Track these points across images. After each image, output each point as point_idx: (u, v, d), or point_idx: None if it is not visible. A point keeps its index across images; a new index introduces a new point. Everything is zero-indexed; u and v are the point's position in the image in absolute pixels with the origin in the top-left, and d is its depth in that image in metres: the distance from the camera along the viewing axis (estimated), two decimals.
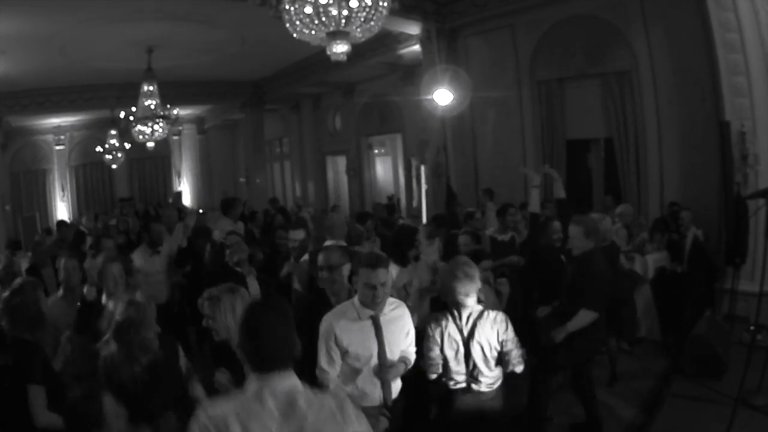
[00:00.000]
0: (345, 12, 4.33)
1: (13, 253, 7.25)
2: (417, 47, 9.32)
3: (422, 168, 11.16)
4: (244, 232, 6.40)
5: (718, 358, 4.78)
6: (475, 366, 3.07)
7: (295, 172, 16.38)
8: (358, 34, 4.63)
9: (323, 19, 4.38)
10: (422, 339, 3.10)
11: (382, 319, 2.67)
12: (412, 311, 3.75)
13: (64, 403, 2.60)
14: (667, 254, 6.07)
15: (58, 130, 16.01)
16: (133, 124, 9.61)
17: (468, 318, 3.04)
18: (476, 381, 3.10)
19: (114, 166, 14.11)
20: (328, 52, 4.72)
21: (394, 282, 3.67)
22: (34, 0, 6.86)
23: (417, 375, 3.06)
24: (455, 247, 4.78)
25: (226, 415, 1.60)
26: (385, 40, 9.57)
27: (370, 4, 4.40)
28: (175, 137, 17.24)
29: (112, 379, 2.41)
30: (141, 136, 9.78)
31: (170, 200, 17.04)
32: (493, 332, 3.04)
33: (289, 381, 1.70)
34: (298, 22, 4.50)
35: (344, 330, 2.61)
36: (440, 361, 3.08)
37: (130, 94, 10.06)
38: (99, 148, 13.69)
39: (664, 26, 6.84)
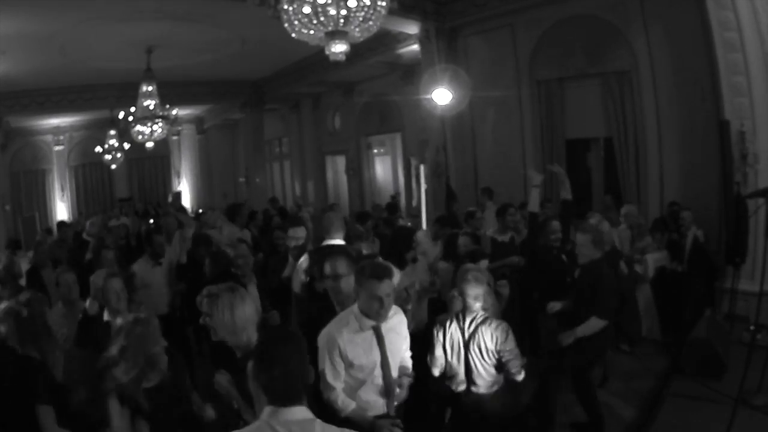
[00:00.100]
0: (343, 12, 4.32)
1: (14, 253, 7.24)
2: (416, 47, 9.31)
3: (422, 168, 11.14)
4: (250, 238, 6.34)
5: (718, 358, 4.77)
6: (473, 368, 3.20)
7: (294, 172, 16.38)
8: (357, 33, 4.62)
9: (322, 18, 4.37)
10: (418, 341, 3.14)
11: (383, 328, 2.62)
12: (412, 313, 3.77)
13: (69, 409, 2.59)
14: (667, 254, 6.07)
15: (57, 130, 16.02)
16: (133, 124, 9.61)
17: (471, 322, 3.19)
18: (474, 383, 3.22)
19: (113, 166, 14.13)
20: (327, 52, 4.71)
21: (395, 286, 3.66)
22: (34, 0, 6.86)
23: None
24: (455, 247, 4.78)
25: None
26: (385, 40, 9.56)
27: (368, 3, 4.39)
28: (175, 137, 17.26)
29: (122, 397, 2.39)
30: (140, 136, 9.77)
31: (170, 200, 17.04)
32: (492, 340, 3.15)
33: (303, 414, 1.72)
34: (296, 22, 4.49)
35: (348, 342, 2.54)
36: (443, 361, 3.27)
37: (130, 94, 10.05)
38: (98, 148, 13.69)
39: (664, 26, 6.84)
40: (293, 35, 4.68)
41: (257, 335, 2.55)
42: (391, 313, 2.72)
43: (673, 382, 4.83)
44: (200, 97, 14.14)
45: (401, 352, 2.77)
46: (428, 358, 3.30)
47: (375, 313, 2.54)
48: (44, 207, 16.23)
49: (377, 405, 2.64)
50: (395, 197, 12.59)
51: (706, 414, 4.14)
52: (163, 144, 14.21)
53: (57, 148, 16.30)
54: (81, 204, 16.58)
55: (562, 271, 4.75)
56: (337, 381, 2.55)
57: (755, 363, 4.00)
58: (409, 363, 2.85)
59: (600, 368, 4.89)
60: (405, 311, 3.37)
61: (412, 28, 8.83)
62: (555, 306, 4.21)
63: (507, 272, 5.08)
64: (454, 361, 3.27)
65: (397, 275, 3.61)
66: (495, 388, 3.27)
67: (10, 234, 12.59)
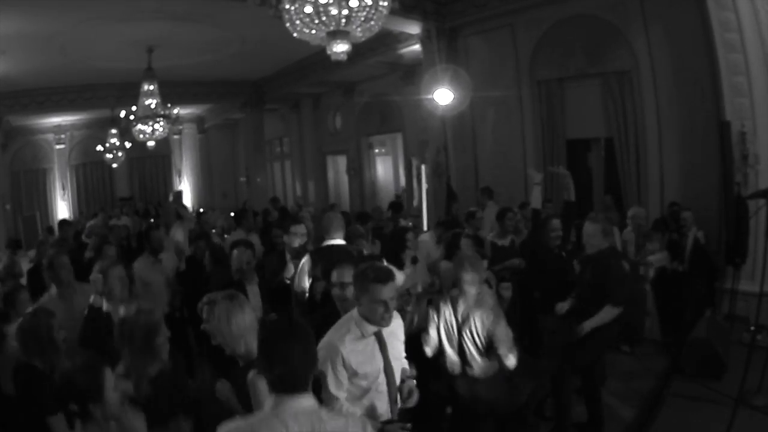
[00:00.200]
0: (345, 11, 4.32)
1: (14, 253, 7.25)
2: (417, 47, 9.32)
3: (423, 168, 11.15)
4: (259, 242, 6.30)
5: (718, 358, 4.78)
6: (466, 351, 3.34)
7: (295, 172, 16.39)
8: (359, 33, 4.63)
9: (323, 18, 4.38)
10: (418, 341, 3.26)
11: (384, 333, 2.57)
12: (413, 314, 3.78)
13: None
14: (668, 254, 6.07)
15: (58, 129, 16.01)
16: (134, 123, 9.61)
17: (465, 307, 3.32)
18: (469, 365, 3.35)
19: (114, 166, 14.10)
20: (329, 52, 4.71)
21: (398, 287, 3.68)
22: (34, 0, 6.86)
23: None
24: (457, 247, 4.80)
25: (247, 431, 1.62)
26: (386, 40, 9.56)
27: (370, 3, 4.40)
28: (176, 136, 17.23)
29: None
30: (141, 136, 9.77)
31: (170, 199, 17.04)
32: (482, 324, 3.27)
33: (308, 402, 1.71)
34: (298, 22, 4.50)
35: (352, 351, 2.45)
36: (436, 341, 3.40)
37: (131, 94, 10.05)
38: (99, 148, 13.68)
39: (664, 26, 6.84)
40: (295, 35, 4.68)
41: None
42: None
43: (673, 382, 4.84)
44: (200, 96, 14.13)
45: (402, 356, 2.76)
46: (422, 337, 3.41)
47: (379, 318, 2.46)
48: (45, 206, 16.22)
49: (381, 410, 2.57)
50: (400, 196, 12.61)
51: (706, 414, 4.14)
52: (164, 143, 14.23)
53: (58, 147, 16.29)
54: (82, 203, 16.58)
55: (564, 271, 4.76)
56: (340, 391, 2.46)
57: (755, 363, 4.01)
58: (406, 364, 2.86)
59: (600, 368, 4.91)
60: (405, 312, 3.39)
61: (413, 28, 8.83)
62: (563, 307, 4.21)
63: (507, 275, 5.08)
64: (447, 344, 3.39)
65: (399, 276, 3.63)
66: (489, 374, 3.34)
67: (11, 233, 12.59)
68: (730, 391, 4.06)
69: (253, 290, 4.13)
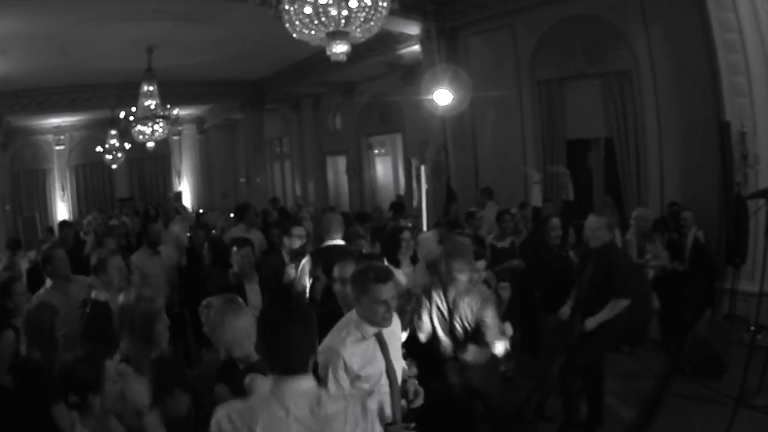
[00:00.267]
0: (345, 12, 4.32)
1: (14, 253, 7.25)
2: (417, 47, 9.32)
3: (422, 168, 11.14)
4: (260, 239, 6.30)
5: (718, 358, 4.78)
6: (458, 337, 3.38)
7: (295, 172, 16.39)
8: (358, 34, 4.63)
9: (323, 19, 4.37)
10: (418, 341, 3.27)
11: (384, 333, 2.53)
12: (412, 313, 3.79)
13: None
14: (668, 254, 6.05)
15: (58, 129, 16.01)
16: (133, 124, 9.61)
17: (455, 293, 3.37)
18: (462, 351, 3.39)
19: (114, 166, 14.11)
20: (328, 53, 4.71)
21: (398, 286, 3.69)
22: (34, 0, 6.86)
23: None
24: None
25: (248, 413, 1.60)
26: (385, 40, 9.57)
27: (369, 4, 4.40)
28: (175, 137, 17.23)
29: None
30: (141, 136, 9.77)
31: (170, 200, 17.06)
32: (470, 309, 3.32)
33: (308, 384, 1.70)
34: (297, 22, 4.49)
35: (353, 354, 2.41)
36: (429, 327, 3.44)
37: (130, 94, 10.06)
38: (99, 148, 13.69)
39: (664, 26, 6.84)
40: (294, 35, 4.68)
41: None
42: None
43: (673, 382, 4.83)
44: (200, 97, 14.13)
45: (400, 355, 2.74)
46: (415, 323, 3.45)
47: (381, 318, 2.42)
48: (45, 207, 16.21)
49: (386, 413, 2.53)
50: (401, 196, 12.61)
51: (706, 414, 4.14)
52: (163, 144, 14.21)
53: (57, 147, 16.28)
54: (81, 204, 16.57)
55: (565, 270, 4.76)
56: None
57: (755, 363, 4.01)
58: (404, 363, 2.86)
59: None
60: (406, 312, 3.39)
61: (413, 29, 8.83)
62: (566, 311, 4.23)
63: (507, 276, 5.08)
64: (440, 330, 3.43)
65: (398, 274, 3.63)
66: (480, 360, 3.36)
67: (11, 234, 12.57)
68: (730, 391, 4.06)
69: (254, 289, 4.14)
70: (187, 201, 17.64)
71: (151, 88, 9.39)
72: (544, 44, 8.10)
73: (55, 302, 3.25)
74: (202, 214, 11.20)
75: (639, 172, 7.36)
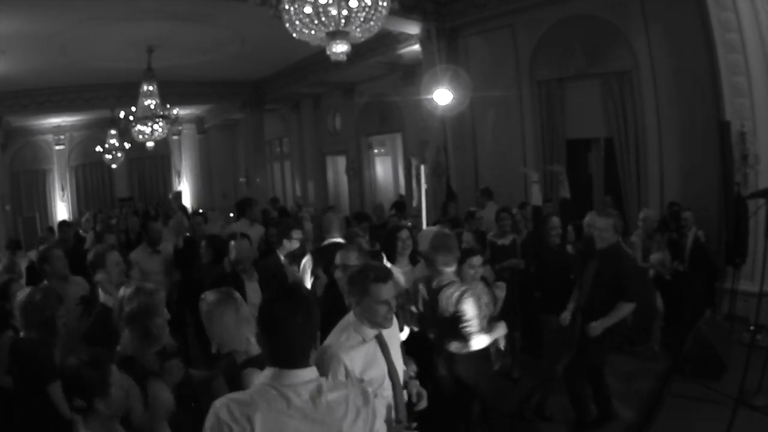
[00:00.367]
0: (345, 12, 4.32)
1: (14, 254, 7.24)
2: (417, 47, 9.32)
3: (422, 168, 11.13)
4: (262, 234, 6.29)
5: (718, 358, 4.78)
6: (444, 330, 3.40)
7: (295, 172, 16.39)
8: (358, 34, 4.63)
9: (323, 18, 4.37)
10: (419, 341, 3.30)
11: (384, 335, 2.47)
12: (410, 313, 3.79)
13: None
14: (668, 254, 6.06)
15: (58, 129, 16.02)
16: (133, 123, 9.61)
17: (435, 285, 3.44)
18: (447, 342, 3.40)
19: (114, 166, 14.13)
20: (328, 52, 4.71)
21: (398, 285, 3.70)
22: (34, 0, 6.86)
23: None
24: (460, 244, 4.81)
25: (247, 403, 1.57)
26: (385, 40, 9.57)
27: (369, 3, 4.39)
28: (175, 137, 17.24)
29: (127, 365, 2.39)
30: (141, 136, 9.78)
31: (170, 201, 17.05)
32: (449, 301, 3.35)
33: (310, 375, 1.66)
34: (297, 22, 4.49)
35: (354, 359, 2.33)
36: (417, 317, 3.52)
37: (130, 94, 10.06)
38: (99, 148, 13.70)
39: (664, 26, 6.84)
40: (294, 35, 4.68)
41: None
42: None
43: (673, 382, 4.83)
44: (200, 97, 14.14)
45: (400, 356, 2.68)
46: (402, 316, 3.48)
47: (382, 319, 2.37)
48: (44, 207, 16.22)
49: (389, 415, 2.46)
50: (403, 196, 12.63)
51: (706, 414, 4.14)
52: (163, 144, 14.22)
53: (57, 147, 16.29)
54: (81, 204, 16.57)
55: (565, 270, 4.76)
56: None
57: (755, 363, 4.01)
58: (405, 366, 2.83)
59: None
60: (406, 311, 3.40)
61: (413, 29, 8.84)
62: (566, 317, 4.20)
63: (507, 275, 5.08)
64: (429, 321, 3.47)
65: (397, 273, 3.64)
66: (465, 352, 3.36)
67: (11, 234, 12.58)
68: (730, 391, 4.06)
69: (253, 286, 4.15)
70: (187, 201, 17.64)
71: (151, 88, 9.39)
72: (544, 44, 8.10)
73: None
74: (201, 213, 11.15)
75: (639, 172, 7.36)
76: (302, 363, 1.65)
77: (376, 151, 14.05)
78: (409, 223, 6.38)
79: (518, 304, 5.06)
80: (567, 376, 4.04)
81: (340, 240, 4.36)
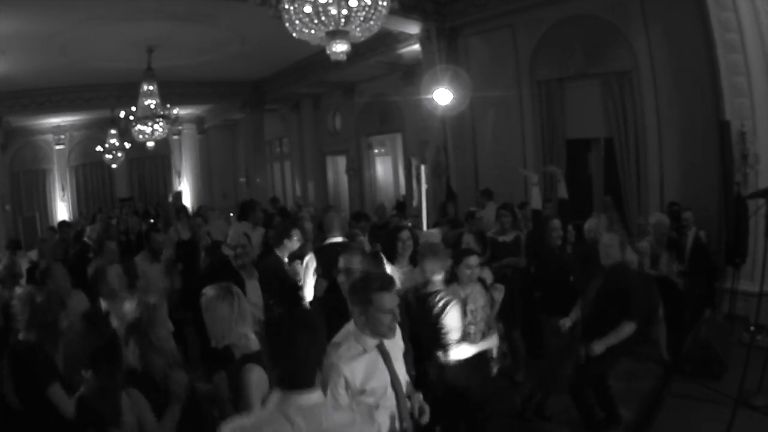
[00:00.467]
0: (344, 11, 4.33)
1: (14, 253, 7.24)
2: (417, 47, 9.32)
3: (422, 168, 11.12)
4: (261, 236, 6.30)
5: (718, 358, 4.78)
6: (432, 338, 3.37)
7: (295, 172, 16.39)
8: (358, 33, 4.63)
9: (323, 18, 4.38)
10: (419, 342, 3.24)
11: (386, 343, 2.40)
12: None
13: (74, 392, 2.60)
14: (675, 266, 6.00)
15: (58, 129, 16.02)
16: (133, 123, 9.62)
17: (422, 293, 3.43)
18: (433, 350, 3.37)
19: (114, 166, 14.13)
20: (328, 52, 4.72)
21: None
22: (34, 0, 6.86)
23: None
24: (460, 246, 4.83)
25: (251, 429, 1.59)
26: (385, 40, 9.57)
27: (369, 3, 4.40)
28: (175, 137, 17.25)
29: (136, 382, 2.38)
30: (141, 136, 9.79)
31: (170, 200, 17.04)
32: (433, 313, 3.32)
33: (316, 398, 1.67)
34: (297, 22, 4.50)
35: (355, 370, 2.27)
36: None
37: (130, 94, 10.07)
38: (99, 148, 13.69)
39: (664, 26, 6.84)
40: (294, 35, 4.68)
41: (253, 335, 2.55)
42: None
43: (673, 382, 4.83)
44: (200, 97, 14.15)
45: (404, 365, 2.61)
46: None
47: (386, 329, 2.31)
48: (45, 207, 16.21)
49: (392, 427, 2.43)
50: (404, 196, 12.65)
51: (706, 414, 4.14)
52: (163, 143, 14.22)
53: (57, 147, 16.29)
54: (81, 204, 16.57)
55: (564, 270, 4.75)
56: None
57: (755, 363, 4.00)
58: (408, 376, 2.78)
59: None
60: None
61: (413, 28, 8.84)
62: (567, 322, 4.12)
63: (509, 273, 5.07)
64: (419, 328, 3.43)
65: (396, 273, 3.64)
66: (455, 362, 3.34)
67: (11, 234, 12.59)
68: (730, 391, 4.05)
69: (253, 285, 4.16)
70: (187, 201, 17.64)
71: (151, 88, 9.40)
72: (544, 44, 8.10)
73: None
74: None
75: (639, 172, 7.36)
76: (307, 385, 1.66)
77: (376, 151, 14.06)
78: (409, 224, 6.39)
79: (519, 303, 5.04)
80: (573, 393, 3.99)
81: (341, 239, 4.38)
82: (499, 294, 3.80)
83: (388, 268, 3.75)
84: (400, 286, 3.82)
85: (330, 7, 4.31)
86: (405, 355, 2.64)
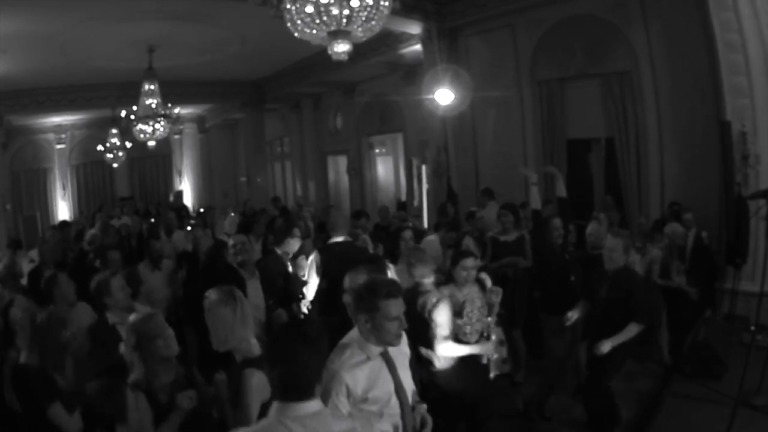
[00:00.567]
0: (346, 11, 4.33)
1: (15, 253, 7.24)
2: (418, 47, 9.32)
3: (423, 168, 11.16)
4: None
5: (718, 358, 4.78)
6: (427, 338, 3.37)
7: (295, 172, 16.39)
8: (360, 33, 4.64)
9: (324, 18, 4.38)
10: None
11: (391, 351, 2.35)
12: None
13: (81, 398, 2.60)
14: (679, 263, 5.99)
15: (59, 129, 16.00)
16: (134, 123, 9.62)
17: (412, 295, 3.39)
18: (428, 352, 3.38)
19: (115, 165, 14.11)
20: (329, 52, 4.72)
21: None
22: (34, 0, 6.87)
23: None
24: (460, 248, 4.85)
25: None
26: (386, 40, 9.56)
27: (371, 3, 4.40)
28: (176, 136, 17.22)
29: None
30: (142, 135, 9.79)
31: (171, 199, 17.06)
32: (424, 309, 3.35)
33: (315, 407, 1.69)
34: (299, 22, 4.50)
35: (357, 378, 2.22)
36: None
37: (131, 93, 10.07)
38: (100, 147, 13.67)
39: (664, 26, 6.84)
40: (296, 35, 4.69)
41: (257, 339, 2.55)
42: None
43: (673, 382, 4.83)
44: (201, 96, 14.15)
45: (409, 372, 2.53)
46: None
47: (393, 336, 2.27)
48: (45, 206, 16.20)
49: None
50: (405, 202, 12.66)
51: (706, 414, 4.15)
52: (164, 143, 14.22)
53: (58, 146, 16.27)
54: (82, 203, 16.56)
55: (565, 270, 4.75)
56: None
57: (755, 363, 4.01)
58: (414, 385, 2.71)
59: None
60: None
61: (414, 28, 8.84)
62: (573, 315, 4.07)
63: (511, 272, 5.06)
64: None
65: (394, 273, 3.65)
66: (446, 366, 3.35)
67: (11, 233, 12.59)
68: (730, 391, 4.06)
69: (254, 285, 4.16)
70: (188, 200, 17.65)
71: (152, 87, 9.41)
72: (544, 44, 8.10)
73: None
74: (204, 212, 11.15)
75: (639, 172, 7.36)
76: (308, 395, 1.68)
77: (377, 151, 14.05)
78: (410, 224, 6.40)
79: (519, 303, 5.03)
80: (586, 403, 4.00)
81: (345, 238, 4.41)
82: (496, 297, 3.77)
83: (391, 269, 3.75)
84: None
85: (331, 7, 4.31)
86: (411, 363, 2.59)
